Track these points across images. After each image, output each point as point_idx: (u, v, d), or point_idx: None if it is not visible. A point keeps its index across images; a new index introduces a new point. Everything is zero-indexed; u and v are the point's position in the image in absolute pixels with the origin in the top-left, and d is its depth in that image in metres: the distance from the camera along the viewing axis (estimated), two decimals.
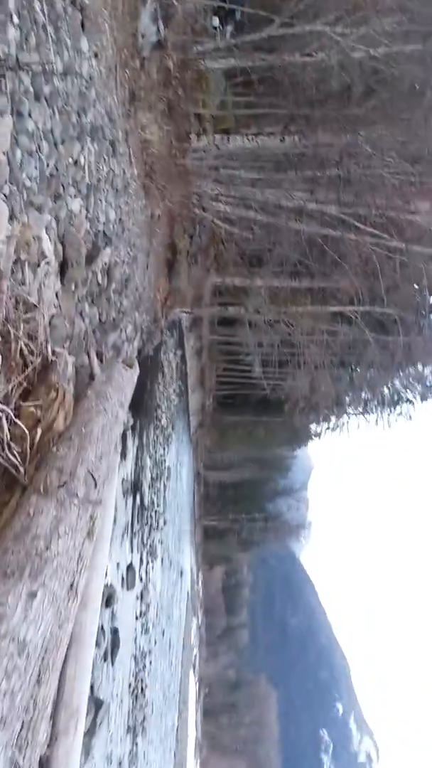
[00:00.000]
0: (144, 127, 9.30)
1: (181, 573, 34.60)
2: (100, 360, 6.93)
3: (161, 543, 19.63)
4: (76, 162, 5.20)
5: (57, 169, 4.59)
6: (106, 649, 9.17)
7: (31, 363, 2.89)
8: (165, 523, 21.13)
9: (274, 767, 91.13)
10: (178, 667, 31.87)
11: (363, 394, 26.54)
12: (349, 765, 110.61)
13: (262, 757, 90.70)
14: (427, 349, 19.59)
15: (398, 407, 25.24)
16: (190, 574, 50.90)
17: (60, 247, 4.68)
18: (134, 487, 12.94)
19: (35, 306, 3.11)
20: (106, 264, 6.99)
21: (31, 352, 2.94)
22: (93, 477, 2.65)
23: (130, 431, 12.17)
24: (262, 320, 16.09)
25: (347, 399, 27.89)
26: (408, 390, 24.65)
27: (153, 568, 17.05)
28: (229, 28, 18.64)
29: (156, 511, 18.07)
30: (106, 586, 9.24)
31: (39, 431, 2.80)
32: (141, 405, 13.81)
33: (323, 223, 15.11)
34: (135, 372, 6.48)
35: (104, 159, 6.55)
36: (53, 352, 2.97)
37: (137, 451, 13.15)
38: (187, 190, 14.06)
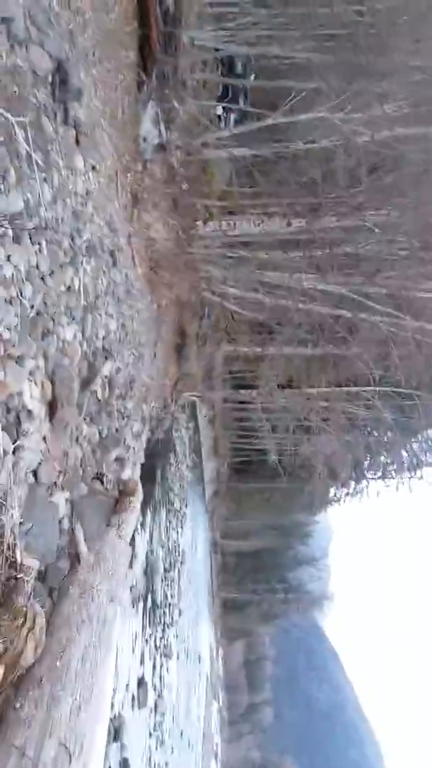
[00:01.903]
0: (148, 225, 9.15)
1: (199, 659, 32.70)
2: (101, 481, 6.42)
3: (176, 637, 18.46)
4: (69, 288, 4.85)
5: (45, 304, 4.21)
6: None
7: None
8: (180, 613, 20.00)
9: None
10: (198, 764, 29.63)
11: (382, 458, 26.19)
12: None
13: None
14: None
15: (418, 471, 24.67)
16: (210, 653, 48.35)
17: (49, 386, 4.24)
18: (145, 592, 12.12)
19: (2, 504, 2.61)
20: (106, 377, 6.58)
21: None
22: (66, 748, 2.05)
23: (139, 528, 11.50)
24: (276, 404, 15.60)
25: (365, 464, 27.64)
26: (427, 453, 24.08)
27: (168, 669, 15.89)
28: (233, 117, 19.19)
29: (170, 605, 17.07)
30: (112, 719, 8.36)
31: (0, 671, 2.23)
32: (151, 497, 13.18)
33: (334, 303, 14.84)
34: (138, 498, 5.93)
35: (103, 272, 6.25)
36: (20, 567, 2.44)
37: (148, 548, 12.42)
38: (195, 277, 13.91)
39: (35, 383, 3.93)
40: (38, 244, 4.04)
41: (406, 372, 16.52)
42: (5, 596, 2.33)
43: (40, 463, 4.07)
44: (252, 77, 15.81)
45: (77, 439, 5.51)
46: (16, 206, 3.60)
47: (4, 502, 2.59)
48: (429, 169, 14.36)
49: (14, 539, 2.50)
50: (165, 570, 16.46)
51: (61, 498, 4.76)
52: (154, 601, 13.52)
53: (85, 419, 5.78)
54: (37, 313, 4.01)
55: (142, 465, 10.94)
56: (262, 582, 69.19)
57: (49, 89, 4.81)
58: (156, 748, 13.07)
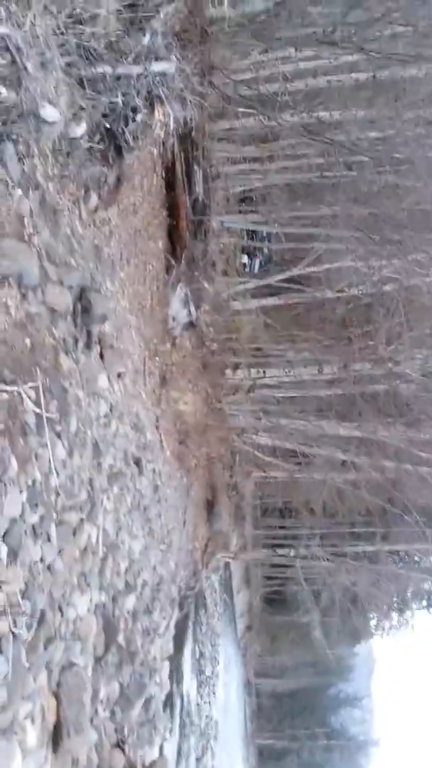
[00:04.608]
0: (176, 400, 8.57)
1: None
2: (122, 749, 5.24)
3: None
4: (85, 549, 4.04)
5: (52, 597, 3.38)
6: None
7: None
8: None
9: None
10: None
11: (427, 587, 24.65)
12: None
13: None
14: None
15: None
16: None
17: (53, 705, 3.30)
18: None
19: None
20: (129, 613, 5.60)
21: None
22: None
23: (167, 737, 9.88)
24: (317, 568, 14.25)
25: (409, 593, 26.05)
26: None
27: None
28: (258, 263, 19.55)
29: None
30: None
31: None
32: (180, 687, 11.62)
33: (373, 452, 13.91)
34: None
35: (127, 489, 5.50)
36: None
37: (177, 756, 10.69)
38: (226, 431, 13.26)
39: (32, 720, 2.99)
40: (44, 534, 3.29)
41: None
42: None
43: None
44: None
45: (91, 721, 4.45)
46: (12, 509, 2.88)
47: None
48: None
49: None
50: (197, 759, 14.35)
51: None
52: None
53: (102, 680, 4.75)
54: (39, 623, 3.17)
55: (169, 657, 9.65)
56: (301, 726, 62.36)
57: (69, 320, 4.32)
58: None
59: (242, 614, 43.87)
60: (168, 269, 7.97)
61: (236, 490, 15.97)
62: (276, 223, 11.32)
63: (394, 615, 30.45)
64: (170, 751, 10.29)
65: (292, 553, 14.89)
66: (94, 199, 4.78)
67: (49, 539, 3.35)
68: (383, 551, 14.05)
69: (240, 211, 11.60)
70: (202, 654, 17.12)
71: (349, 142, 11.26)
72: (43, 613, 3.24)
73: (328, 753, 63.37)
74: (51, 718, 3.27)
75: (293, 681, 58.64)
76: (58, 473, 3.61)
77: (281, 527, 17.58)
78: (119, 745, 5.21)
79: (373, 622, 33.01)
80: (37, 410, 3.46)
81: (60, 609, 3.52)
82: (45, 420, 3.52)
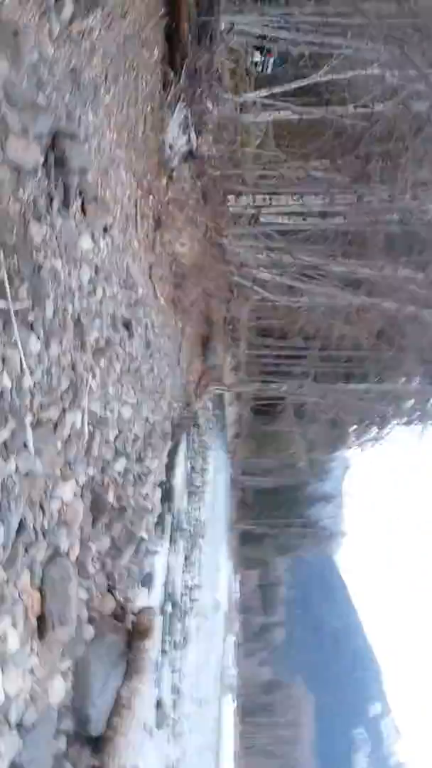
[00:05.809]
0: (172, 241, 7.85)
1: (218, 605, 33.32)
2: (113, 594, 5.61)
3: (196, 616, 18.36)
4: (69, 437, 3.82)
5: (32, 500, 3.22)
6: None
7: None
8: (200, 587, 19.86)
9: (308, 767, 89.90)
10: (214, 706, 30.72)
11: (407, 405, 26.02)
12: (383, 765, 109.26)
13: (296, 758, 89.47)
14: None
15: None
16: (227, 592, 49.58)
17: (37, 600, 3.33)
18: (162, 605, 11.63)
19: None
20: (119, 474, 5.62)
21: None
22: None
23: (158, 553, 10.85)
24: (308, 396, 14.49)
25: (390, 410, 27.42)
26: None
27: (186, 657, 15.79)
28: (272, 61, 16.97)
29: (190, 589, 16.79)
30: None
31: None
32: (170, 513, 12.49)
33: (380, 293, 13.36)
34: (153, 641, 5.12)
35: (116, 358, 5.16)
36: None
37: (167, 574, 11.81)
38: (225, 265, 12.55)
39: (13, 625, 3.02)
40: (19, 446, 3.00)
41: None
42: None
43: (26, 706, 3.24)
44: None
45: (80, 583, 4.65)
46: None
47: None
48: None
49: None
50: (186, 557, 16.07)
51: (59, 687, 3.97)
52: (174, 603, 13.13)
53: (91, 548, 4.89)
54: (18, 533, 3.04)
55: (161, 482, 10.19)
56: (279, 516, 70.42)
57: (41, 177, 3.57)
58: (171, 742, 13.07)
59: (232, 423, 46.65)
60: (165, 85, 6.69)
61: (232, 321, 15.69)
62: (297, 27, 9.39)
63: (373, 431, 31.66)
64: (160, 563, 11.42)
65: (284, 387, 15.12)
66: (68, 6, 3.69)
67: (25, 447, 3.09)
68: (374, 391, 14.27)
69: (254, 4, 9.58)
70: (193, 468, 18.32)
71: None
72: (21, 522, 3.11)
73: (302, 539, 72.33)
74: (35, 613, 3.31)
75: (275, 479, 64.65)
76: (32, 371, 3.24)
77: (276, 355, 17.63)
78: (109, 590, 5.58)
79: (351, 436, 35.03)
80: (1, 305, 2.96)
81: (42, 507, 3.40)
82: (12, 314, 3.04)
